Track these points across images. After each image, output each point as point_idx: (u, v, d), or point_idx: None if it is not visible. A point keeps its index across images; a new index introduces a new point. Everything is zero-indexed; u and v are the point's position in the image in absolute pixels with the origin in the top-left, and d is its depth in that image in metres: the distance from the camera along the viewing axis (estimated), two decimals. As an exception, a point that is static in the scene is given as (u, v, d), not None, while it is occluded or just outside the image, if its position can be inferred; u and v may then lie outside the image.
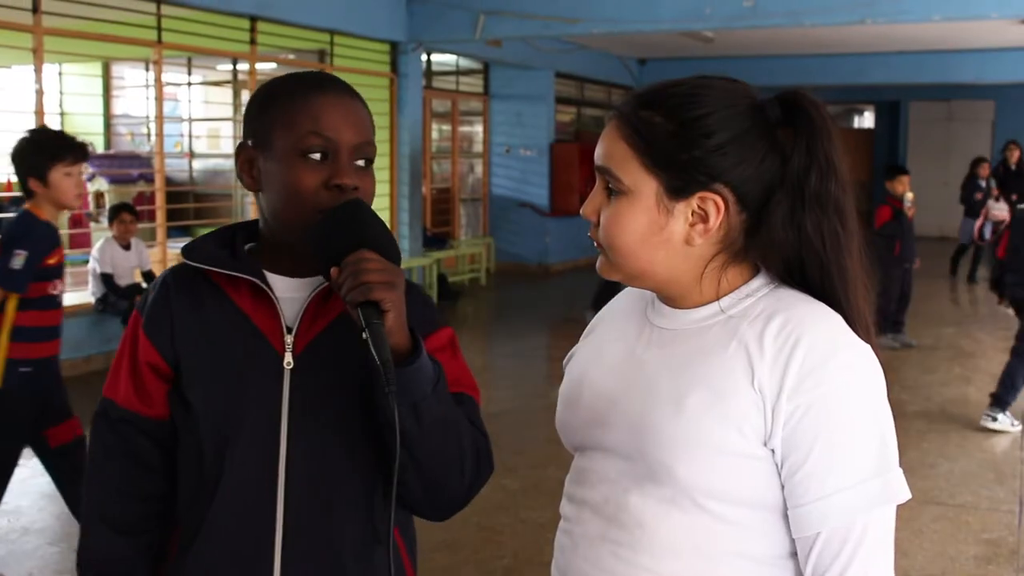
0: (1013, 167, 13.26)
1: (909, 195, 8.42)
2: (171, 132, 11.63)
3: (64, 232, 7.91)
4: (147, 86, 12.24)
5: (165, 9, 8.18)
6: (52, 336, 3.57)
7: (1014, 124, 17.06)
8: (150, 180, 10.35)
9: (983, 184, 12.76)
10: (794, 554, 1.22)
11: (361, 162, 1.39)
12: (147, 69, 11.88)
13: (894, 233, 8.29)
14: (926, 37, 12.34)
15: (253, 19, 8.90)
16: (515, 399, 6.81)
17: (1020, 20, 10.14)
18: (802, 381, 1.16)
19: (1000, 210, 12.25)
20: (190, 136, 13.05)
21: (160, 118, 8.50)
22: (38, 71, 7.22)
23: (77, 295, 7.75)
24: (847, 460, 1.16)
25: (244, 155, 1.42)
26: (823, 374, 1.17)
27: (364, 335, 1.25)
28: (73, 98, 13.17)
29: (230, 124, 12.42)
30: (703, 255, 1.26)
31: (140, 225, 8.04)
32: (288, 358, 1.39)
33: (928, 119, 18.90)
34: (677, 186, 1.22)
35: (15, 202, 10.46)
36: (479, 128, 14.20)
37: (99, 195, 11.21)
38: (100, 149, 12.69)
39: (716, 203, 1.22)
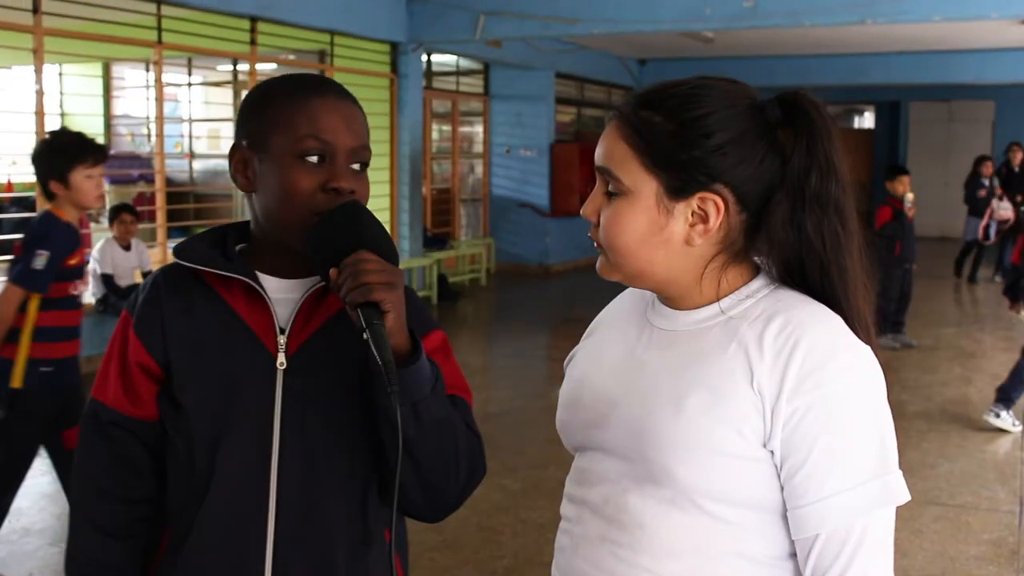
0: (1016, 168, 13.28)
1: (909, 195, 8.41)
2: (171, 133, 11.61)
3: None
4: (147, 87, 12.21)
5: (165, 10, 8.18)
6: (72, 336, 3.60)
7: (1014, 124, 17.07)
8: (150, 181, 10.33)
9: (986, 182, 12.74)
10: (793, 555, 1.22)
11: (357, 166, 1.39)
12: (147, 70, 11.86)
13: (894, 233, 8.28)
14: (926, 37, 12.35)
15: (253, 19, 8.90)
16: (515, 399, 6.81)
17: (1020, 20, 10.14)
18: (801, 383, 1.16)
19: (1005, 209, 12.27)
20: (190, 137, 13.04)
21: (160, 119, 8.50)
22: (38, 72, 7.21)
23: (77, 295, 7.74)
24: (847, 462, 1.16)
25: (239, 156, 1.42)
26: (823, 376, 1.17)
27: (365, 336, 1.24)
28: (73, 99, 13.15)
29: (230, 125, 12.41)
30: (703, 255, 1.26)
31: (140, 226, 8.06)
32: (281, 358, 1.39)
33: (928, 119, 18.90)
34: (677, 186, 1.22)
35: (15, 202, 10.49)
36: (479, 128, 14.19)
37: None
38: (100, 149, 12.65)
39: (716, 203, 1.22)
